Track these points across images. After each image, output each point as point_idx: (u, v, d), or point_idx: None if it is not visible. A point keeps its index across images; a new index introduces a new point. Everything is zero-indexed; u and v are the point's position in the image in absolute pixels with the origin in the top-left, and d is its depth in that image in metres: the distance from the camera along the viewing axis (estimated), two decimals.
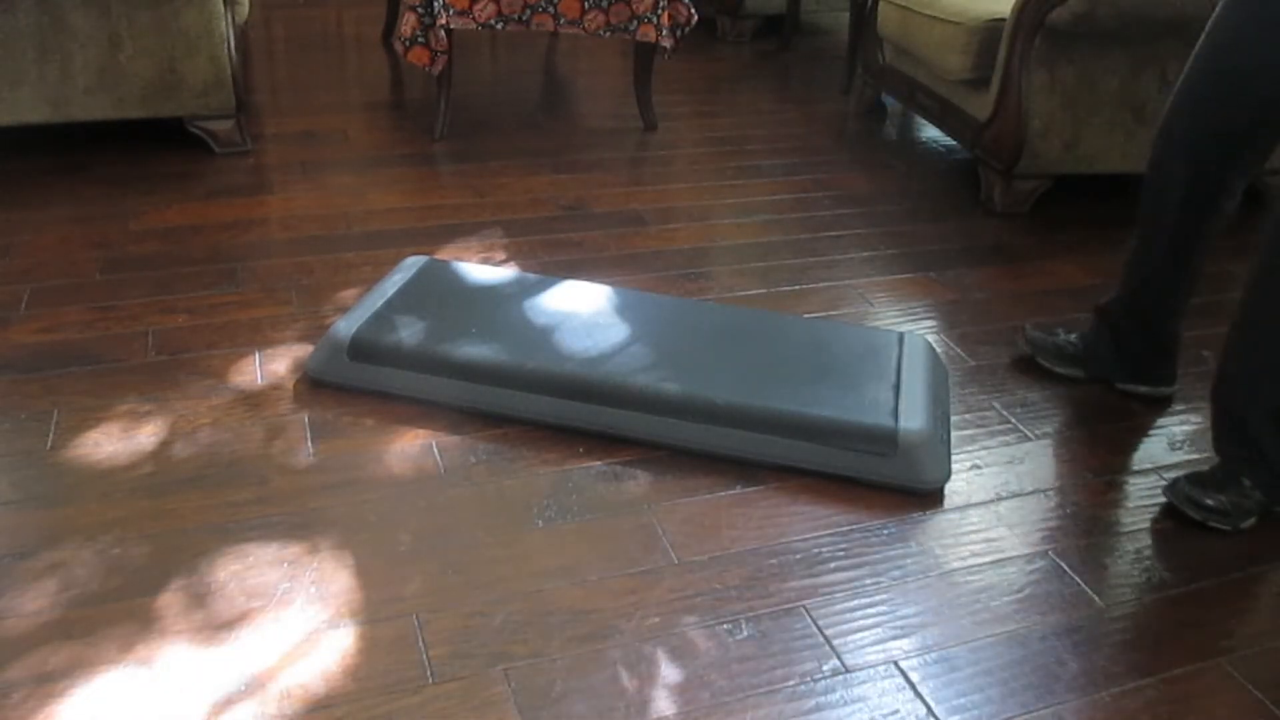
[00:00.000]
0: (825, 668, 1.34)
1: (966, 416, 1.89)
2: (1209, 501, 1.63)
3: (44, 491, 1.57)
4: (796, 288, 2.32)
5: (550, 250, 2.43)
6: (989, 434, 1.84)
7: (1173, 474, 1.75)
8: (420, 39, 2.89)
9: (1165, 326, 1.91)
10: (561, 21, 2.94)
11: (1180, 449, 1.83)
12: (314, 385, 1.86)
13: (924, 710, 1.29)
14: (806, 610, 1.43)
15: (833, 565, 1.51)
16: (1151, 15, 2.54)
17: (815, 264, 2.44)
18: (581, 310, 1.99)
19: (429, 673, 1.30)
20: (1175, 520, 1.64)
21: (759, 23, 4.42)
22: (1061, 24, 2.54)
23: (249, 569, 1.44)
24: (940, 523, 1.62)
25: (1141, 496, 1.70)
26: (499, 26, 2.91)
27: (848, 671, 1.34)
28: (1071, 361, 2.01)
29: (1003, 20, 2.69)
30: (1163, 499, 1.68)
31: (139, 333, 1.99)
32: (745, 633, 1.39)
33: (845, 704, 1.29)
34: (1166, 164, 1.78)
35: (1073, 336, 2.03)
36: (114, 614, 1.36)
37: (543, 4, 2.90)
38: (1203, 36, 1.70)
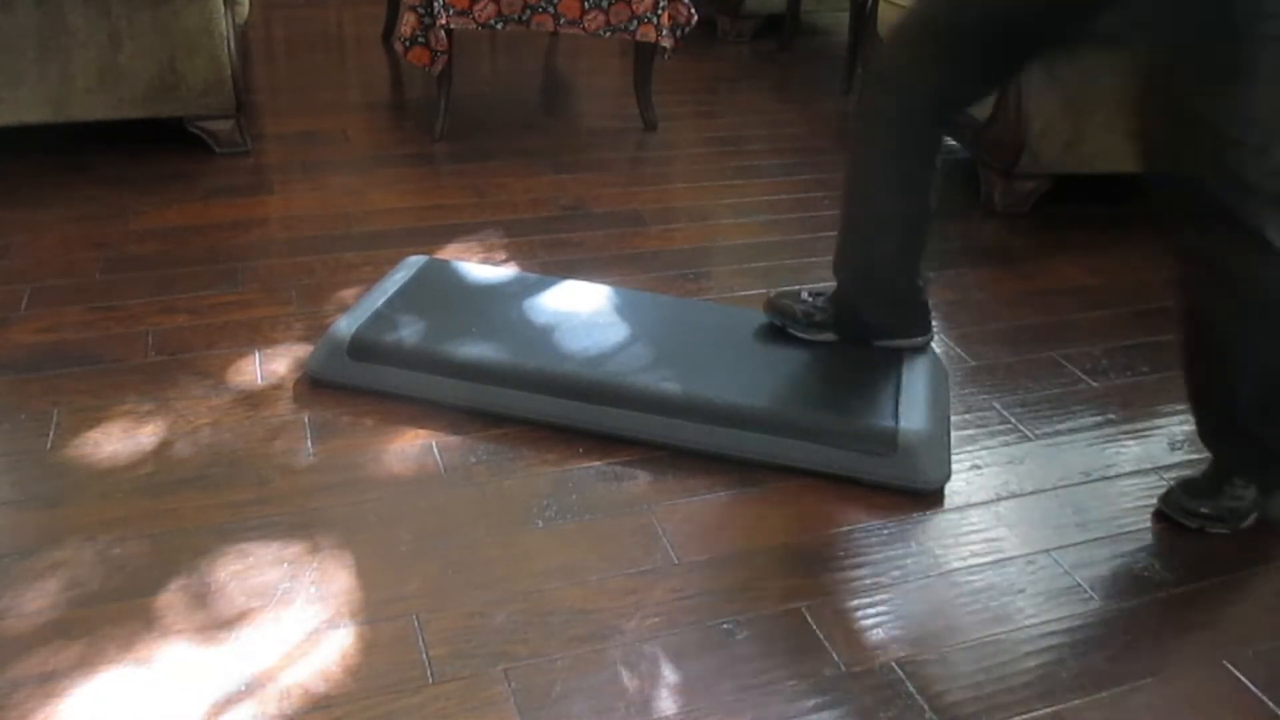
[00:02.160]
0: (825, 668, 1.34)
1: (966, 416, 1.89)
2: (1204, 510, 1.62)
3: (44, 491, 1.57)
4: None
5: (550, 250, 2.43)
6: (989, 434, 1.84)
7: (1173, 474, 1.75)
8: (420, 39, 2.89)
9: (906, 286, 1.86)
10: (561, 21, 2.94)
11: (1180, 449, 1.83)
12: (314, 385, 1.86)
13: (924, 710, 1.29)
14: (806, 610, 1.43)
15: (832, 565, 1.51)
16: None
17: (815, 264, 2.44)
18: (581, 310, 1.99)
19: (429, 673, 1.30)
20: (1175, 520, 1.64)
21: (759, 23, 4.42)
22: None
23: (249, 569, 1.44)
24: (940, 523, 1.62)
25: (1141, 496, 1.70)
26: (499, 26, 2.91)
27: (848, 671, 1.34)
28: (821, 327, 1.93)
29: None
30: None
31: (139, 333, 1.99)
32: (745, 633, 1.39)
33: (845, 704, 1.29)
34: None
35: (819, 301, 1.93)
36: (114, 614, 1.36)
37: (543, 4, 2.90)
38: None
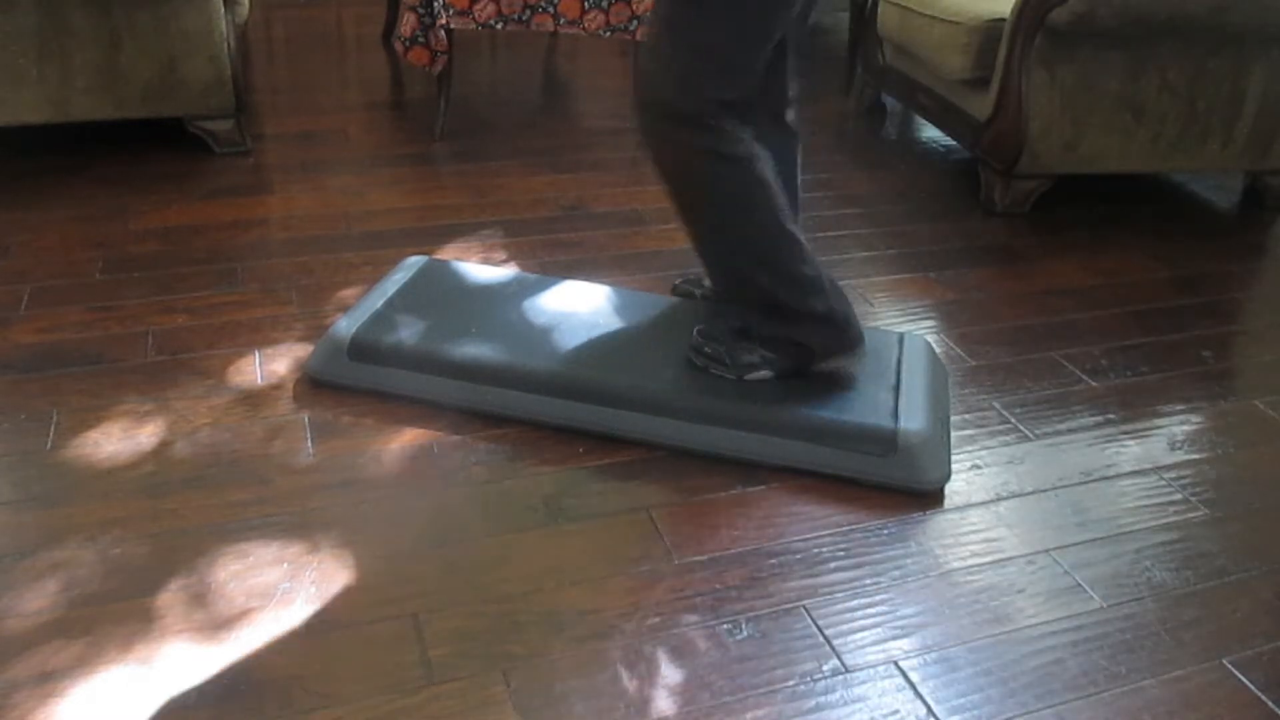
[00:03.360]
0: (825, 668, 1.34)
1: (966, 416, 1.89)
2: (708, 349, 1.78)
3: (44, 491, 1.57)
4: None
5: (550, 250, 2.43)
6: (989, 434, 1.84)
7: (1172, 474, 1.75)
8: (420, 39, 2.89)
9: None
10: (561, 21, 2.94)
11: (1180, 449, 1.83)
12: (314, 385, 1.86)
13: (924, 710, 1.29)
14: (806, 610, 1.43)
15: (833, 565, 1.51)
16: (1151, 15, 2.54)
17: None
18: (581, 310, 1.99)
19: (429, 673, 1.30)
20: (1175, 518, 1.64)
21: None
22: (1061, 24, 2.54)
23: (249, 569, 1.44)
24: (940, 523, 1.62)
25: (1141, 496, 1.70)
26: (499, 26, 2.91)
27: (848, 671, 1.34)
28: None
29: (1003, 20, 2.69)
30: (1161, 498, 1.69)
31: (139, 333, 1.99)
32: (745, 633, 1.39)
33: (845, 704, 1.29)
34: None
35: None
36: (114, 614, 1.36)
37: (543, 4, 2.90)
38: None
